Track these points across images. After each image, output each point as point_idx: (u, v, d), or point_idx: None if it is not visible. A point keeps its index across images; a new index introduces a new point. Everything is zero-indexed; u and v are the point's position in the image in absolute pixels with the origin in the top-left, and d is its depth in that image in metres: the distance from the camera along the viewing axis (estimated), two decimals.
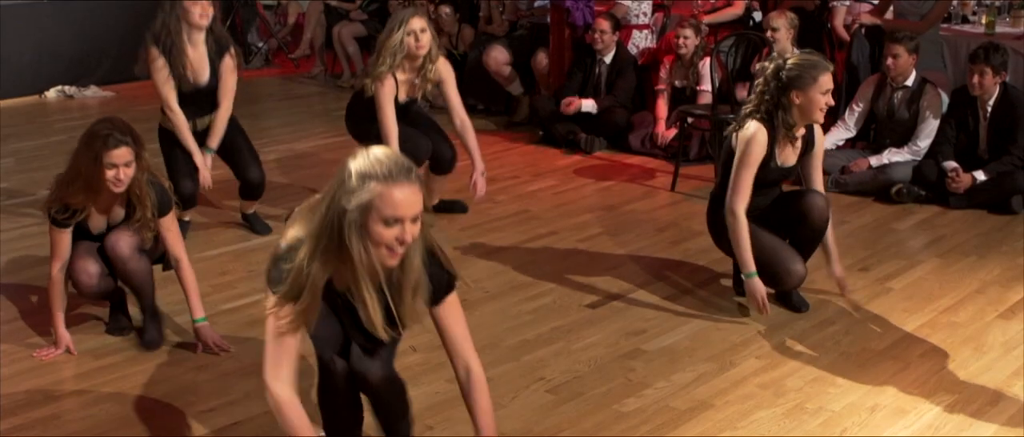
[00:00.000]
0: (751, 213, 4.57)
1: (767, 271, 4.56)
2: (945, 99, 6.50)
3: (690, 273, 5.21)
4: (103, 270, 4.26)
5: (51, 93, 9.96)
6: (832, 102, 4.42)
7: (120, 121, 4.17)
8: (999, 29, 7.13)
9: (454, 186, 6.31)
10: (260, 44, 11.78)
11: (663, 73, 7.52)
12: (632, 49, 8.01)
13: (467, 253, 5.49)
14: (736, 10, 7.94)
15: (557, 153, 7.61)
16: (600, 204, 6.45)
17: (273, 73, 11.26)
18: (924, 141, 6.40)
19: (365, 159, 2.60)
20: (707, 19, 7.76)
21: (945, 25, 7.29)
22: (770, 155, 4.48)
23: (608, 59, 7.69)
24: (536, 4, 8.86)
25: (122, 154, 4.01)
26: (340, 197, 2.59)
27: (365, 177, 2.56)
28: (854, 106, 6.69)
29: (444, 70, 5.73)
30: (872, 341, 4.38)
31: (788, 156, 4.56)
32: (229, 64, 5.53)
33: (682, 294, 4.95)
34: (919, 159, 6.39)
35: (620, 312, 4.73)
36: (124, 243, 4.18)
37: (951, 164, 6.19)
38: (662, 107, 7.48)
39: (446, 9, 9.32)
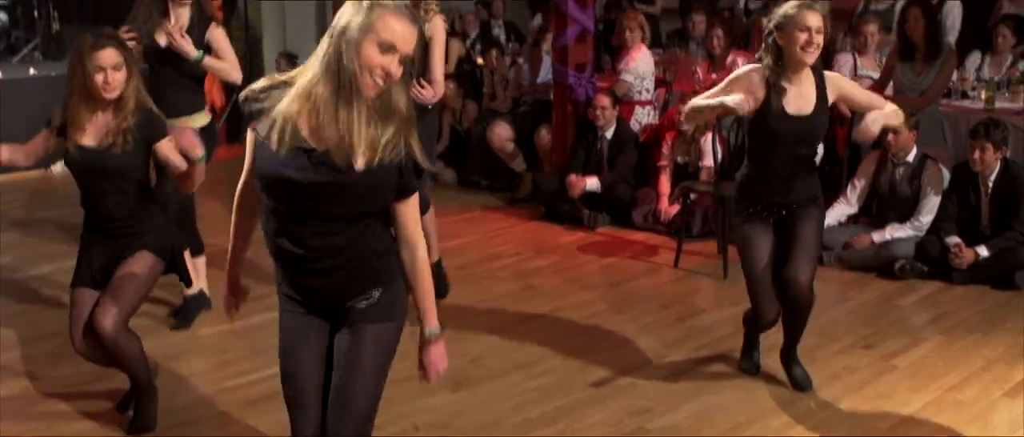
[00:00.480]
0: (767, 189, 4.49)
1: (750, 298, 4.58)
2: (946, 174, 6.53)
3: (694, 350, 5.19)
4: (92, 343, 4.12)
5: (57, 167, 9.99)
6: (813, 41, 4.27)
7: (107, 29, 4.14)
8: (999, 104, 7.16)
9: (453, 264, 6.31)
10: None
11: (665, 149, 7.56)
12: (635, 125, 8.06)
13: (469, 329, 5.47)
14: None
15: (560, 229, 7.63)
16: (604, 280, 6.45)
17: None
18: (926, 217, 6.41)
19: None
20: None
21: (945, 100, 7.33)
22: (770, 101, 4.36)
23: (609, 135, 7.74)
24: (539, 80, 8.94)
25: (109, 55, 3.98)
26: (343, 20, 2.68)
27: (374, 3, 2.67)
28: (855, 182, 6.71)
29: (437, 28, 5.48)
30: (877, 421, 4.35)
31: (796, 105, 4.38)
32: (219, 35, 5.37)
33: (686, 372, 4.92)
34: (921, 235, 6.39)
35: (624, 390, 4.70)
36: (108, 318, 4.04)
37: (954, 239, 6.19)
38: (665, 183, 7.51)
39: (450, 85, 9.40)
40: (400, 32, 2.66)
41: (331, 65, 2.66)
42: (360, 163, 2.69)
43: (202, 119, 5.49)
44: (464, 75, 9.96)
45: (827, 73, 4.49)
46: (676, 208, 7.26)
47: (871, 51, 7.65)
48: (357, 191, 2.73)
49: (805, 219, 4.51)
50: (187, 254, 5.45)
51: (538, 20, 10.40)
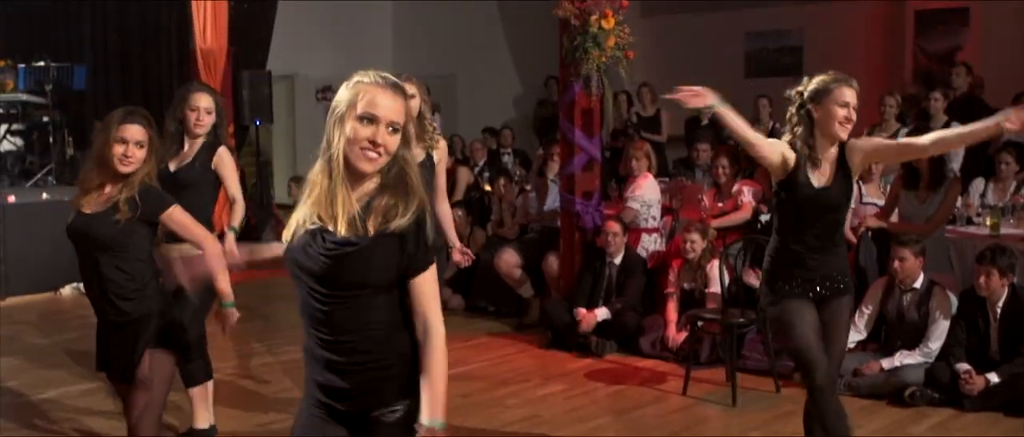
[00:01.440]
0: (801, 264, 4.43)
1: (802, 366, 4.51)
2: (954, 301, 6.52)
3: None
4: None
5: (66, 290, 10.05)
6: (852, 117, 4.32)
7: (142, 109, 4.20)
8: (1004, 230, 7.19)
9: (459, 391, 6.25)
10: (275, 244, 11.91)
11: (672, 276, 7.57)
12: (642, 252, 8.08)
13: None
14: (744, 213, 8.05)
15: (568, 356, 7.59)
16: (611, 408, 6.39)
17: (286, 273, 11.33)
18: (935, 343, 6.39)
19: (363, 72, 2.80)
20: (715, 223, 7.86)
21: (950, 227, 7.37)
22: (797, 171, 4.37)
23: (618, 261, 7.76)
24: (546, 208, 9.01)
25: (135, 131, 4.04)
26: (334, 102, 2.78)
27: (358, 80, 2.79)
28: (863, 309, 6.71)
29: (442, 152, 5.54)
30: None
31: (820, 177, 4.39)
32: (226, 158, 5.41)
33: None
34: (931, 361, 6.36)
35: None
36: (142, 428, 4.06)
37: (964, 366, 6.16)
38: (672, 310, 7.50)
39: (458, 212, 9.48)
40: (382, 103, 2.75)
41: (325, 148, 2.79)
42: (370, 229, 2.75)
43: None
44: (472, 202, 10.05)
45: (851, 141, 4.45)
46: (684, 335, 7.24)
47: (876, 179, 7.72)
48: (368, 257, 2.75)
49: (839, 317, 4.49)
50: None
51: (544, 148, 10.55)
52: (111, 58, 13.21)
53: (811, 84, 4.40)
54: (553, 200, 8.86)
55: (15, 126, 11.90)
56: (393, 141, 2.77)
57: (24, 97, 11.71)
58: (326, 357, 2.85)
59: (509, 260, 8.78)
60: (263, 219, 11.94)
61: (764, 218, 8.10)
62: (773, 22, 12.26)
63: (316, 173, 2.83)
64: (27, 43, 13.26)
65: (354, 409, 2.86)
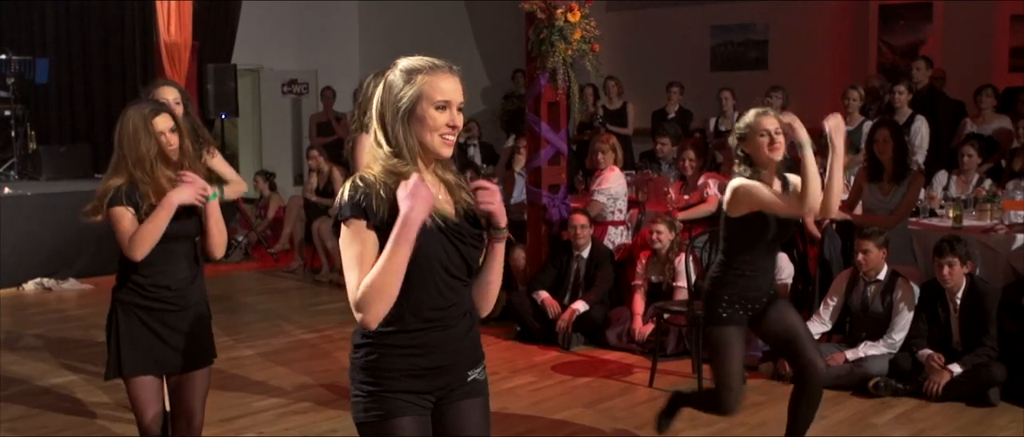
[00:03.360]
0: (748, 284, 4.70)
1: (719, 397, 4.78)
2: (917, 292, 6.59)
3: None
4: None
5: (29, 285, 9.96)
6: (777, 142, 4.55)
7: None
8: (966, 222, 7.26)
9: None
10: (239, 238, 11.86)
11: (639, 268, 7.59)
12: (608, 245, 8.10)
13: None
14: (709, 206, 8.08)
15: (535, 348, 7.60)
16: (578, 401, 6.41)
17: (252, 267, 11.31)
18: (899, 334, 6.46)
19: (405, 62, 2.83)
20: (681, 215, 7.89)
21: (913, 219, 7.44)
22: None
23: (585, 254, 7.78)
24: (513, 201, 9.01)
25: (165, 120, 4.10)
26: (387, 102, 2.79)
27: (412, 73, 2.78)
28: (828, 300, 6.77)
29: None
30: None
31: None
32: (217, 160, 5.41)
33: None
34: (895, 352, 6.43)
35: None
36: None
37: (926, 352, 6.24)
38: (639, 303, 7.52)
39: None
40: (449, 88, 2.80)
41: (394, 146, 2.82)
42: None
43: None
44: None
45: (788, 175, 4.75)
46: (650, 327, 7.27)
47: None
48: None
49: (785, 310, 4.83)
50: None
51: (511, 141, 10.55)
52: (74, 51, 13.07)
53: (738, 126, 4.70)
54: (519, 193, 8.86)
55: None
56: (462, 119, 2.81)
57: None
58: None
59: None
60: (228, 212, 11.85)
61: None
62: (738, 16, 12.31)
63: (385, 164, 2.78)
64: None
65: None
